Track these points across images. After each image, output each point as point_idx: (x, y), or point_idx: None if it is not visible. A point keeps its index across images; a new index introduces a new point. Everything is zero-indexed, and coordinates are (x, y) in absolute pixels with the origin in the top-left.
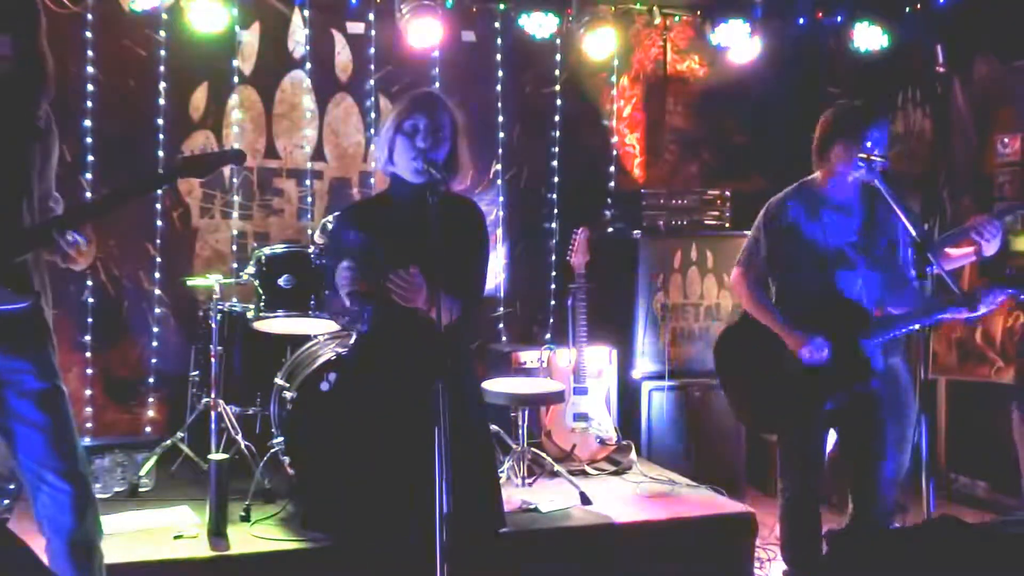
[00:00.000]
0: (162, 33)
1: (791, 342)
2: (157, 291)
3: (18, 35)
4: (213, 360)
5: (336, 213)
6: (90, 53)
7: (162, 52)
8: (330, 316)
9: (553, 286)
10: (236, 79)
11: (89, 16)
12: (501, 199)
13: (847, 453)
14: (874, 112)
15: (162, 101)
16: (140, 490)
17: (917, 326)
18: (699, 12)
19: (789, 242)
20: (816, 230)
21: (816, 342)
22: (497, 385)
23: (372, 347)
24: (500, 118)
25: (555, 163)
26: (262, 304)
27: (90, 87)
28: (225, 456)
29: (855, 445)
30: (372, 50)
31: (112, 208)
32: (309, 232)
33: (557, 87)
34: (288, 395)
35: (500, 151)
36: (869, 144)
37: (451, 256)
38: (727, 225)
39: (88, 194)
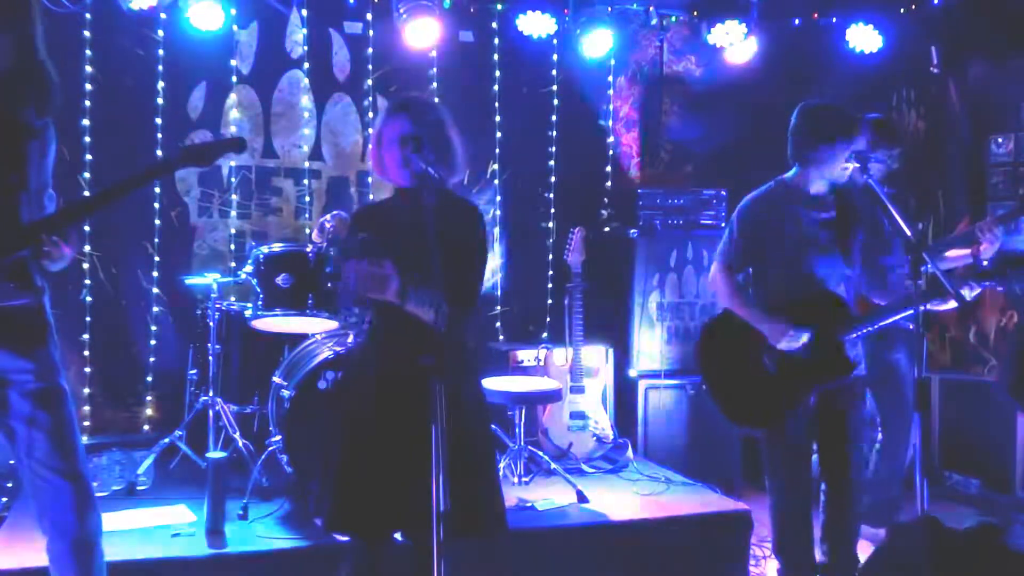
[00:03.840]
0: (160, 33)
1: (770, 332)
2: (155, 290)
3: (18, 36)
4: (211, 359)
5: (345, 209)
6: (88, 53)
7: (160, 52)
8: (336, 311)
9: (550, 285)
10: (234, 79)
11: (87, 16)
12: (498, 198)
13: (822, 450)
14: (849, 112)
15: (160, 100)
16: (138, 488)
17: (896, 318)
18: (695, 12)
19: (763, 240)
20: (790, 227)
21: (792, 332)
22: (494, 384)
23: (373, 347)
24: (497, 118)
25: (552, 163)
26: (260, 303)
27: (88, 86)
28: (223, 454)
29: (829, 443)
30: (370, 50)
31: (113, 201)
32: (307, 231)
33: (554, 87)
34: (286, 393)
35: (497, 151)
36: (857, 146)
37: (447, 258)
38: (722, 224)
39: (86, 193)
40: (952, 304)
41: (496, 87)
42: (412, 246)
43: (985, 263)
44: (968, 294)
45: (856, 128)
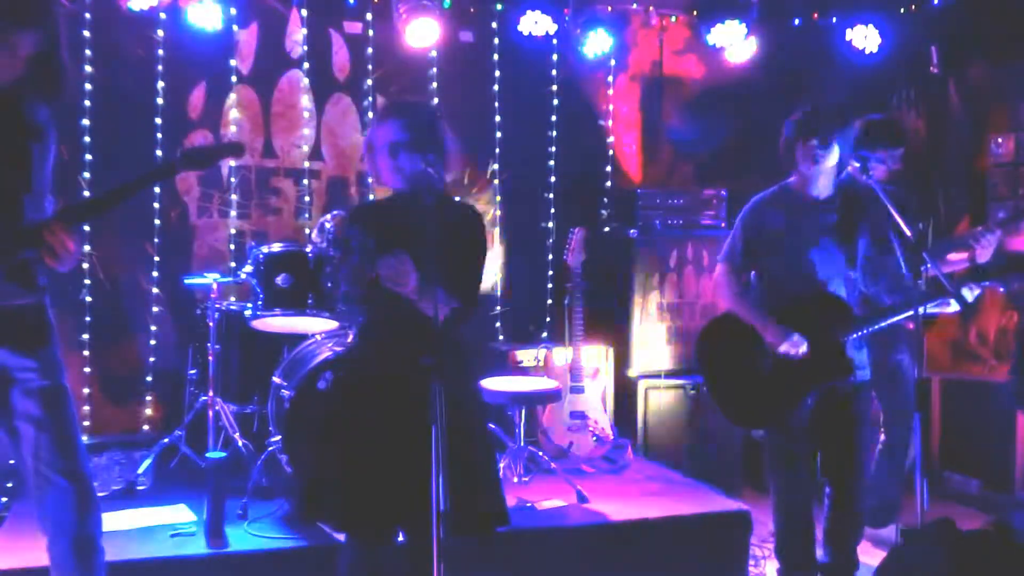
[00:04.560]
0: (160, 32)
1: (770, 336)
2: (155, 290)
3: (44, 33)
4: (211, 358)
5: (345, 209)
6: (88, 52)
7: (160, 51)
8: (334, 307)
9: (550, 285)
10: (234, 78)
11: (87, 15)
12: (498, 198)
13: (826, 453)
14: (810, 115)
15: (160, 100)
16: (138, 488)
17: (899, 319)
18: (695, 12)
19: (768, 242)
20: (794, 230)
21: (794, 337)
22: (494, 384)
23: (368, 346)
24: (497, 118)
25: (552, 163)
26: (260, 303)
27: (88, 86)
28: (223, 454)
29: (833, 445)
30: (370, 50)
31: (113, 205)
32: (307, 231)
33: (554, 87)
34: (286, 393)
35: (497, 151)
36: (815, 142)
37: (448, 256)
38: (723, 225)
39: (86, 193)
40: (954, 307)
41: (496, 87)
42: (411, 246)
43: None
44: (969, 295)
45: (826, 127)
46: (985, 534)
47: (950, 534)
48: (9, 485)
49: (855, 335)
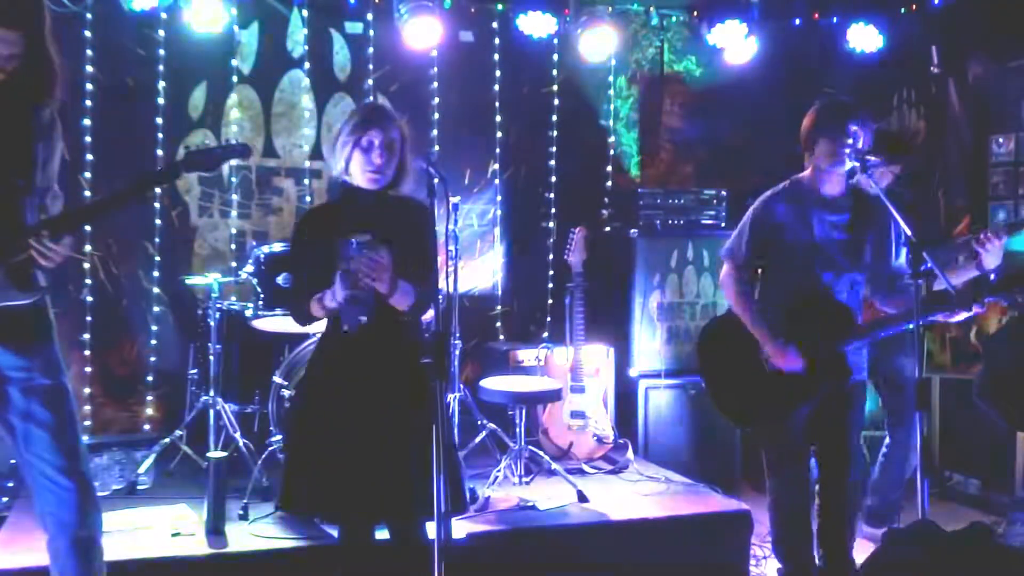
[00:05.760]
0: (161, 32)
1: (769, 350)
2: (156, 289)
3: (28, 34)
4: (212, 358)
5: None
6: (89, 52)
7: (161, 51)
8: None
9: (551, 285)
10: (235, 78)
11: (88, 15)
12: (499, 198)
13: (820, 452)
14: (855, 106)
15: (161, 100)
16: (138, 488)
17: (895, 331)
18: (696, 13)
19: (775, 240)
20: (803, 229)
21: (791, 356)
22: (495, 383)
23: (340, 342)
24: (498, 118)
25: (553, 162)
26: (261, 303)
27: (89, 86)
28: (223, 454)
29: (826, 445)
30: (371, 50)
31: (120, 206)
32: None
33: (555, 87)
34: (286, 393)
35: (498, 150)
36: (851, 140)
37: (406, 251)
38: (723, 225)
39: (87, 193)
40: (962, 316)
41: (496, 87)
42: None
43: (992, 276)
44: (975, 309)
45: (847, 117)
46: (966, 535)
47: (932, 535)
48: (10, 485)
49: (855, 345)
